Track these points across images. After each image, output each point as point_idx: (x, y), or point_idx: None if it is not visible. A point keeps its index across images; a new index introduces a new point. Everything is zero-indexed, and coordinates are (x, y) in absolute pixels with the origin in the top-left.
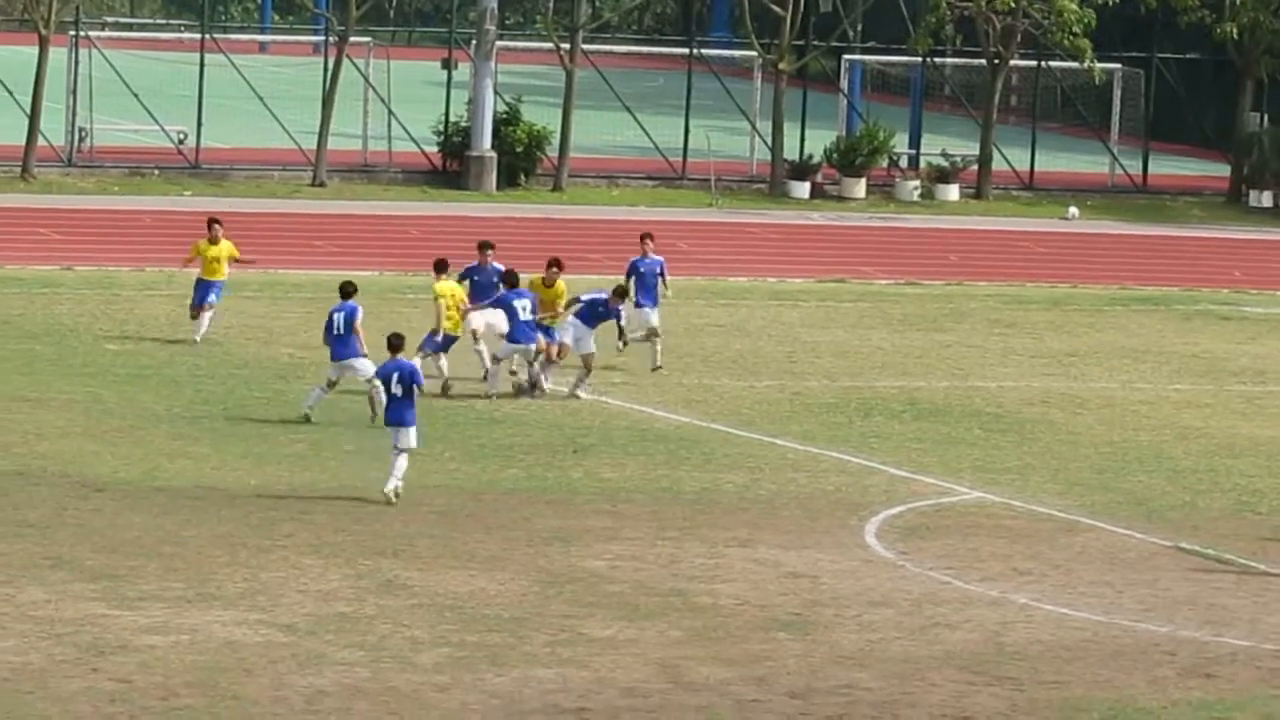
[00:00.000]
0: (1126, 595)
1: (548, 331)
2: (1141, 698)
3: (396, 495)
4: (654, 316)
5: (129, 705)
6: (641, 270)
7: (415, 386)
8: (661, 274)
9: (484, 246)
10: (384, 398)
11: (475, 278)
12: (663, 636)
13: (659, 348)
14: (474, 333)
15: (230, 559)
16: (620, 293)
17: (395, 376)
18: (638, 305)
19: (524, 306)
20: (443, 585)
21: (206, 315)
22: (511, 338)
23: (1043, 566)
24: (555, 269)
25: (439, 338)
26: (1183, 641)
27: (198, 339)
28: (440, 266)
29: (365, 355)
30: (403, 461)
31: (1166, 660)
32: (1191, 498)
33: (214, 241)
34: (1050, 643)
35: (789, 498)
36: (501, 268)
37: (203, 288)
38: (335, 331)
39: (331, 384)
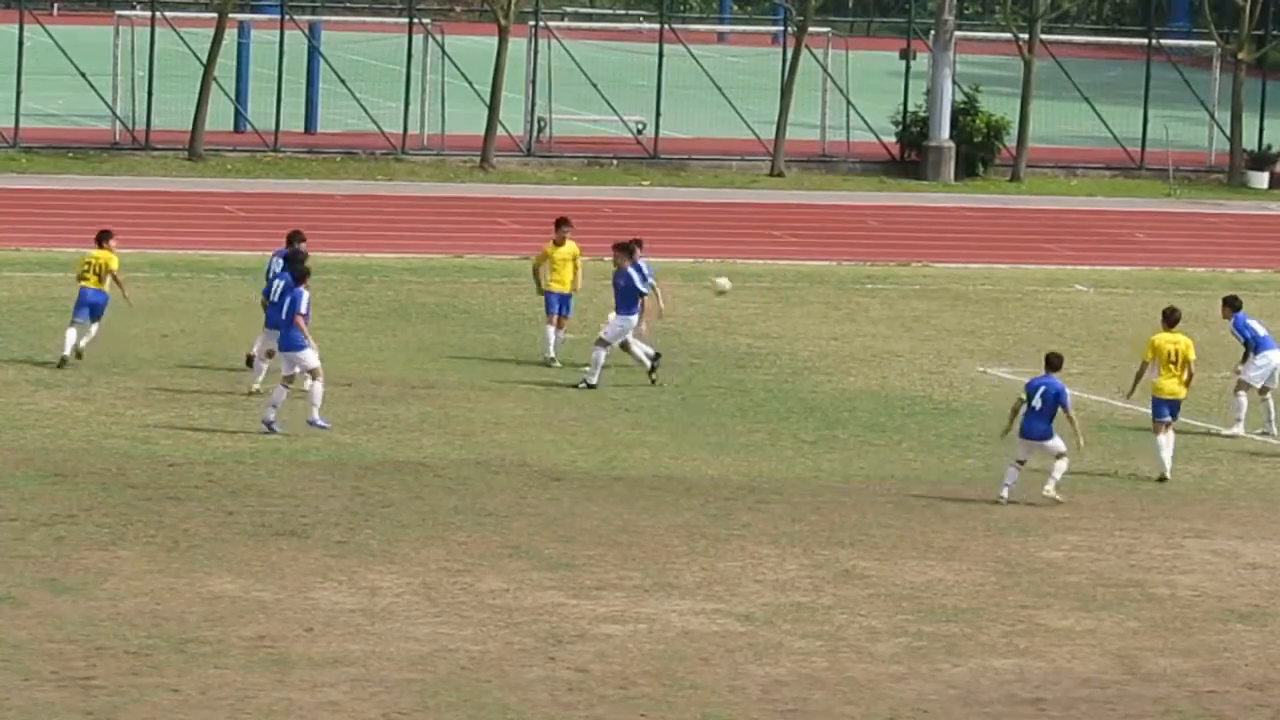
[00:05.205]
0: None
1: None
2: None
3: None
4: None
5: (586, 694)
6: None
7: (1060, 407)
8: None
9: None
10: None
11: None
12: (1120, 627)
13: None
14: None
15: (688, 548)
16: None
17: (1041, 391)
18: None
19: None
20: (899, 575)
21: (554, 331)
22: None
23: None
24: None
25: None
26: None
27: (550, 353)
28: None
29: None
30: (1060, 465)
31: None
32: None
33: (559, 243)
34: None
35: (1247, 489)
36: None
37: (551, 299)
38: None
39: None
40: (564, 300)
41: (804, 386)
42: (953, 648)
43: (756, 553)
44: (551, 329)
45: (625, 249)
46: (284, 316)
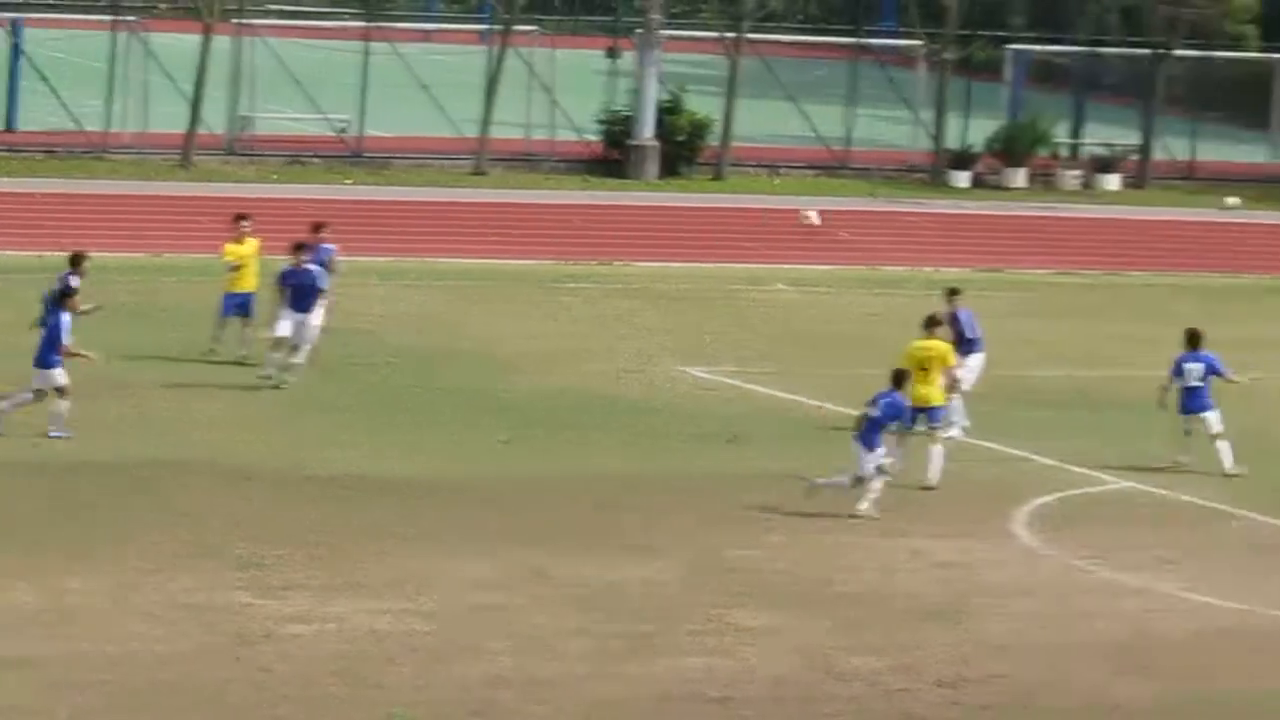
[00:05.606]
0: (1271, 583)
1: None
2: None
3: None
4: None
5: (269, 694)
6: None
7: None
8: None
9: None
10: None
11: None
12: (813, 626)
13: None
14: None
15: (378, 548)
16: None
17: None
18: None
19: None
20: (591, 575)
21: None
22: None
23: (1188, 556)
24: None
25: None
26: None
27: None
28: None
29: None
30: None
31: None
32: None
33: (239, 240)
34: (1195, 632)
35: (944, 487)
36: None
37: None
38: None
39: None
40: (245, 301)
41: (501, 385)
42: (640, 647)
43: (446, 552)
44: (237, 329)
45: (306, 246)
46: (45, 338)
